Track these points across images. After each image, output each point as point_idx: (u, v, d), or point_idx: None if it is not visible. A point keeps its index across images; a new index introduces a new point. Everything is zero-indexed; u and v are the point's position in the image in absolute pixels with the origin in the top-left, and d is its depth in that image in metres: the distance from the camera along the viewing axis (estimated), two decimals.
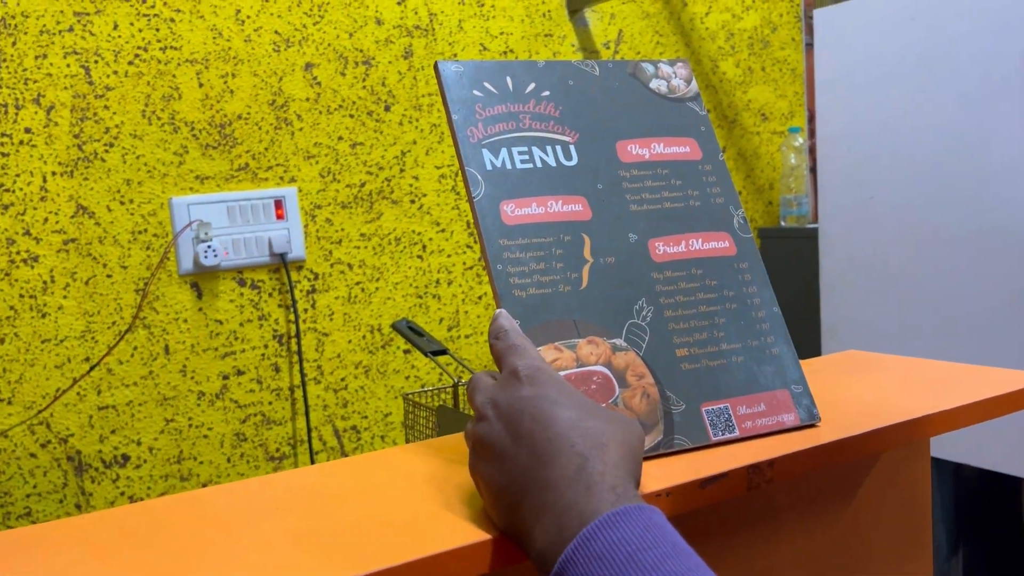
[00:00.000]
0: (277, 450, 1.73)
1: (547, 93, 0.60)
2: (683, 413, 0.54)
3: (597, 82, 0.62)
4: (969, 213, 1.39)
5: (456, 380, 1.13)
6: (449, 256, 1.88)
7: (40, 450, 1.54)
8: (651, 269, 0.58)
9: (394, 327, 1.20)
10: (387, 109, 1.80)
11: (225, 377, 1.67)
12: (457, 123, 0.57)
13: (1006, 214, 1.35)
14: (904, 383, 0.67)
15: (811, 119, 2.35)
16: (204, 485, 1.66)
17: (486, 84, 0.59)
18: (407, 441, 1.12)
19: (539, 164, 0.58)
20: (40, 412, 1.53)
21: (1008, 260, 1.38)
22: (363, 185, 1.78)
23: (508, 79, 0.60)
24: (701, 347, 0.56)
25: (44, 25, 1.51)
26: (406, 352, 1.82)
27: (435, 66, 0.59)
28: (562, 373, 0.53)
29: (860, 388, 0.67)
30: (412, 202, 1.83)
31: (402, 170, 1.82)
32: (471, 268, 1.90)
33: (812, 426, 0.57)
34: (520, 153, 0.58)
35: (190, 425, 1.65)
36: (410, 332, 1.16)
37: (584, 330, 0.54)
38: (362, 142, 1.78)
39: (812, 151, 2.29)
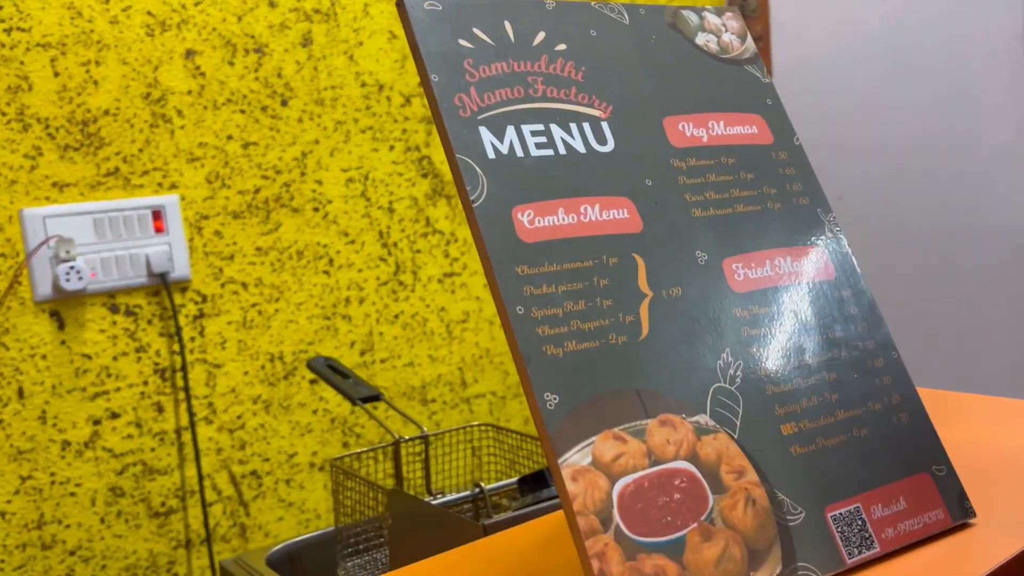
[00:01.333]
0: (163, 504, 1.46)
1: (563, 47, 0.41)
2: (803, 524, 0.36)
3: (629, 34, 0.44)
4: (950, 212, 1.28)
5: (397, 437, 0.92)
6: (360, 271, 1.66)
7: None
8: (732, 303, 0.39)
9: (311, 367, 0.99)
10: (284, 104, 1.57)
11: (96, 422, 1.40)
12: (438, 88, 0.37)
13: (992, 211, 1.25)
14: None
15: None
16: (72, 553, 1.39)
17: (477, 31, 0.39)
18: (336, 517, 0.90)
19: (562, 150, 0.39)
20: None
21: (996, 261, 1.28)
22: (258, 191, 1.54)
23: (507, 25, 0.40)
24: (812, 418, 0.38)
25: None
26: (312, 382, 1.59)
27: (399, 4, 0.39)
28: (629, 478, 0.33)
29: (982, 447, 0.50)
30: (316, 210, 1.60)
31: (303, 174, 1.59)
32: (385, 283, 1.69)
33: (966, 525, 0.40)
34: (534, 133, 0.38)
35: (53, 482, 1.37)
36: (331, 373, 0.95)
37: (653, 404, 0.35)
38: (256, 142, 1.54)
39: None
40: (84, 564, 1.40)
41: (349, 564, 0.83)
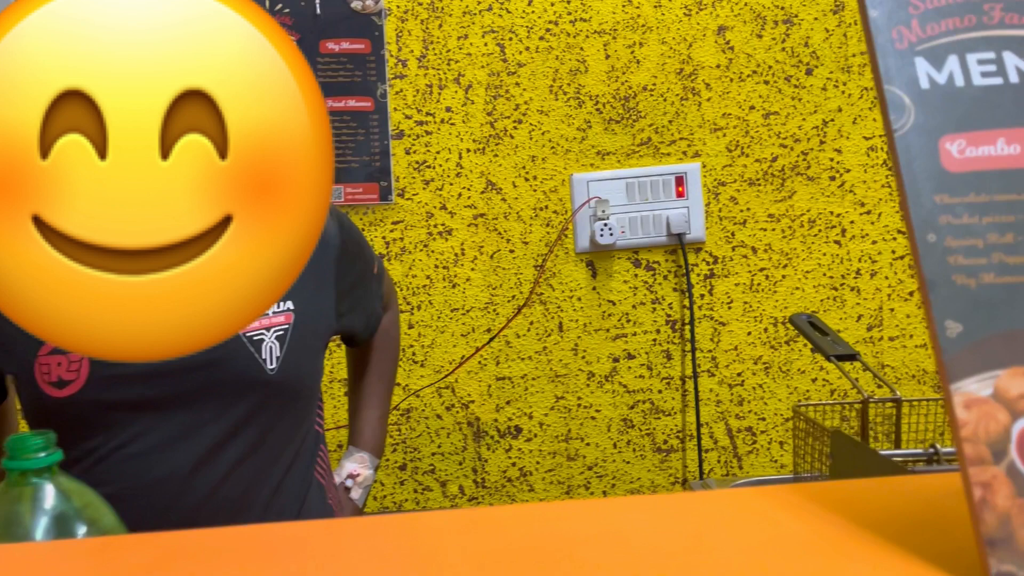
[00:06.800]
0: (665, 442, 1.62)
1: None
2: None
3: None
4: None
5: (866, 396, 0.91)
6: (874, 243, 1.60)
7: (445, 412, 1.61)
8: None
9: (792, 321, 1.01)
10: (808, 73, 1.58)
11: (615, 360, 1.60)
12: (876, 22, 0.38)
13: None
14: None
15: None
16: (590, 468, 1.62)
17: None
18: (795, 467, 0.93)
19: (1014, 78, 0.37)
20: (446, 376, 1.60)
21: None
22: (775, 160, 1.59)
23: None
24: None
25: (466, 6, 1.56)
26: (815, 351, 1.59)
27: None
28: None
29: None
30: (832, 179, 1.59)
31: (822, 142, 1.59)
32: (901, 258, 1.60)
33: None
34: (981, 62, 0.37)
35: (579, 405, 1.61)
36: (811, 329, 0.97)
37: None
38: (777, 111, 1.58)
39: None
40: (599, 480, 1.62)
41: None
